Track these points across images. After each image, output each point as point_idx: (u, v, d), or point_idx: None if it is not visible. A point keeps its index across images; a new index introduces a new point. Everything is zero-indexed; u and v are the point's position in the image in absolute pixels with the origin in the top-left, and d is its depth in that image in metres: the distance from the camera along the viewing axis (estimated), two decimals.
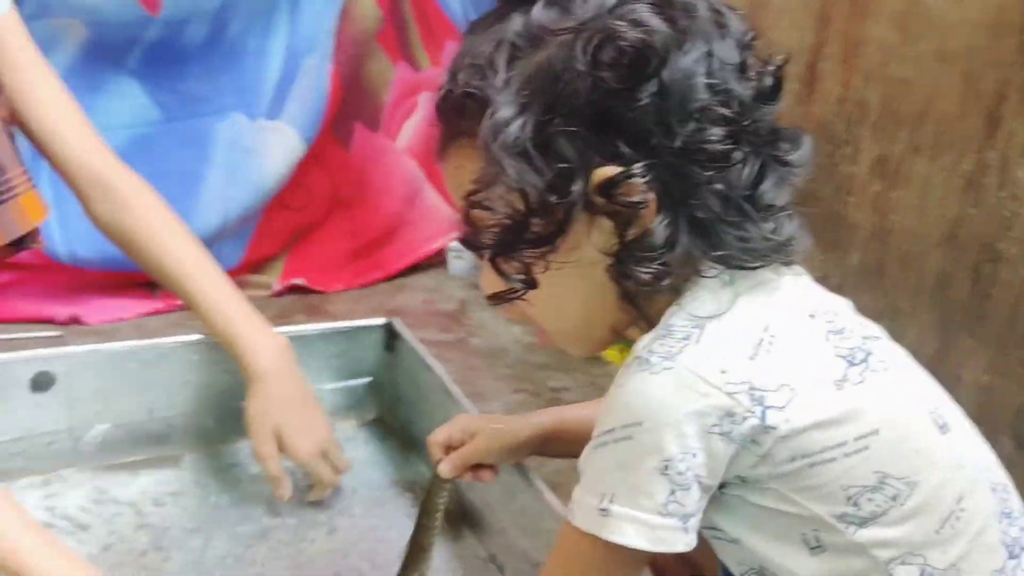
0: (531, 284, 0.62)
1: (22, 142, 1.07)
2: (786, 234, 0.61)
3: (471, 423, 0.89)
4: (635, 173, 0.57)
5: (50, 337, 1.35)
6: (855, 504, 0.58)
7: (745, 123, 0.58)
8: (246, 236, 1.65)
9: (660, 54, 0.56)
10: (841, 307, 0.65)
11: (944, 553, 0.59)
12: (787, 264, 0.63)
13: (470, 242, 0.64)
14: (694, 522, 0.59)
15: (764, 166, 0.60)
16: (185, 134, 1.58)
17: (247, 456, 1.09)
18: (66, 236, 1.47)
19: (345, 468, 1.06)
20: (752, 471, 0.59)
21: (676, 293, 0.61)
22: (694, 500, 0.58)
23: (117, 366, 1.07)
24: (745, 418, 0.56)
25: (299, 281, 1.66)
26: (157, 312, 1.51)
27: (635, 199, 0.58)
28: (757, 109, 0.59)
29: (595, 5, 0.59)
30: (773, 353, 0.58)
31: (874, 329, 0.65)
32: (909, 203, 1.22)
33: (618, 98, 0.57)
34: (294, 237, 1.72)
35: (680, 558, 0.60)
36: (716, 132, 0.57)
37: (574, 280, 0.62)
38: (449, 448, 0.88)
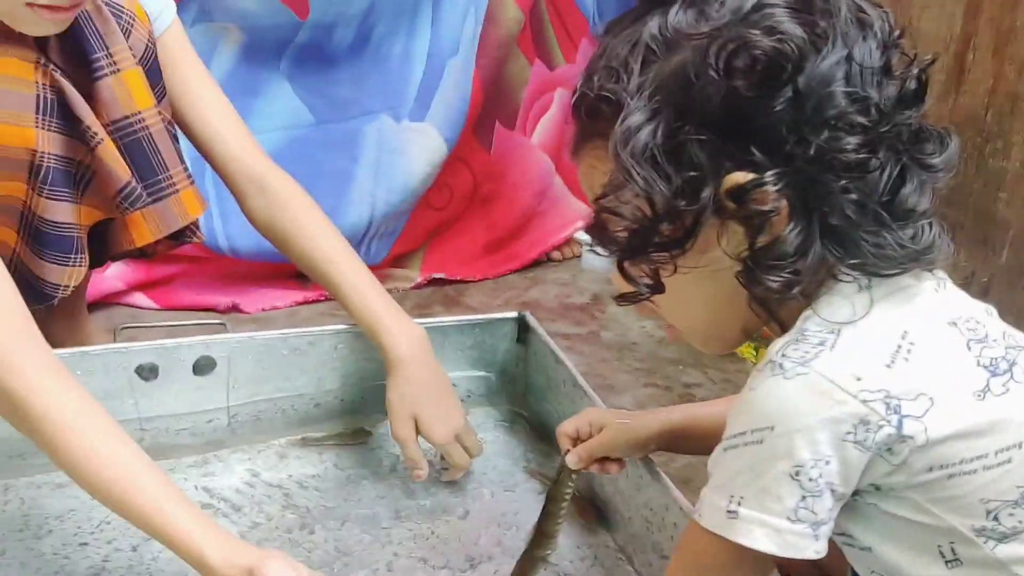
0: (658, 288, 0.62)
1: (183, 142, 1.15)
2: (926, 241, 0.59)
3: (599, 416, 0.90)
4: (767, 181, 0.56)
5: (212, 324, 1.43)
6: (995, 519, 0.57)
7: (884, 129, 0.56)
8: (394, 234, 1.70)
9: (794, 61, 0.55)
10: (985, 314, 0.63)
11: None
12: (928, 269, 0.61)
13: (600, 244, 0.64)
14: (825, 530, 0.58)
15: (905, 170, 0.58)
16: (336, 136, 1.63)
17: (386, 439, 1.14)
18: (226, 230, 1.54)
19: (478, 451, 1.10)
20: (887, 479, 0.58)
21: (809, 297, 0.60)
22: (826, 508, 0.57)
23: (271, 352, 1.13)
24: (880, 427, 0.56)
25: (439, 275, 1.71)
26: (307, 302, 1.58)
27: (767, 207, 0.57)
28: (899, 113, 0.57)
29: (732, 8, 0.58)
30: (911, 361, 0.57)
31: (1020, 338, 0.63)
32: None
33: (751, 105, 0.56)
34: (433, 233, 1.76)
35: (809, 560, 0.59)
36: (851, 141, 0.56)
37: (703, 283, 0.62)
38: (577, 440, 0.89)
